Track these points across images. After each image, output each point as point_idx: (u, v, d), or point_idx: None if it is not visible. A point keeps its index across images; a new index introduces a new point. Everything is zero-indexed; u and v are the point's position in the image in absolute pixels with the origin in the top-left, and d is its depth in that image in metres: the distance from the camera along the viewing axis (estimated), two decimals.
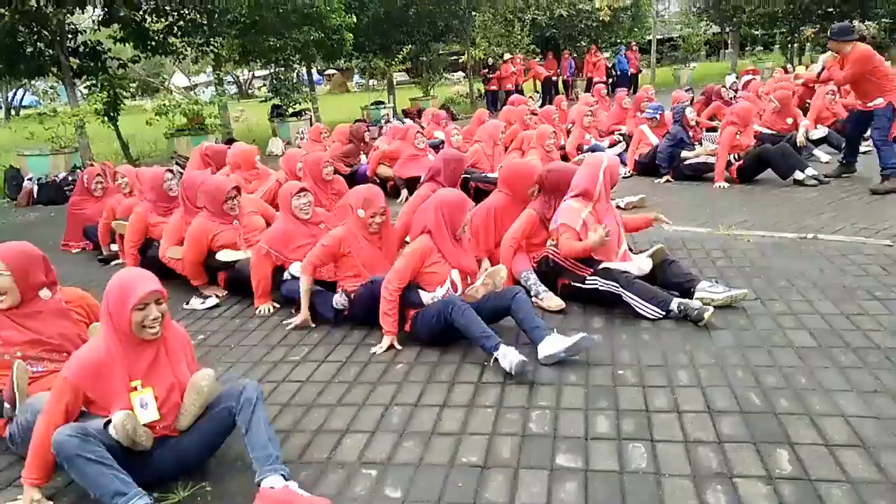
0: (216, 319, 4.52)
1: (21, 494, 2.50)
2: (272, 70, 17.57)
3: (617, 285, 3.88)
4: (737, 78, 13.45)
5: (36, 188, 10.11)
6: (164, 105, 12.71)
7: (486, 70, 20.47)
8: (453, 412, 3.00)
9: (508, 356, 3.23)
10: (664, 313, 3.79)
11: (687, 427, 2.73)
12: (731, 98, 10.90)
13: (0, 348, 2.86)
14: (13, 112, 35.82)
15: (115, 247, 6.12)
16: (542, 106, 12.30)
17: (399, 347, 3.70)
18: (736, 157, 7.38)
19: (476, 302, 3.65)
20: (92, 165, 7.41)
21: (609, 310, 3.97)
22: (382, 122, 13.68)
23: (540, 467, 2.54)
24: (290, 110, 16.39)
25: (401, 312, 3.75)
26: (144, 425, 2.43)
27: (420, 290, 3.71)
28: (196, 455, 2.62)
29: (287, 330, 4.10)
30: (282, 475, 2.39)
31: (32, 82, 13.99)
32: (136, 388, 2.45)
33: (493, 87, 20.19)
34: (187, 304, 4.77)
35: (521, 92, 18.80)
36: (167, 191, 5.38)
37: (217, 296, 4.85)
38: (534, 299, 4.07)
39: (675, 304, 3.78)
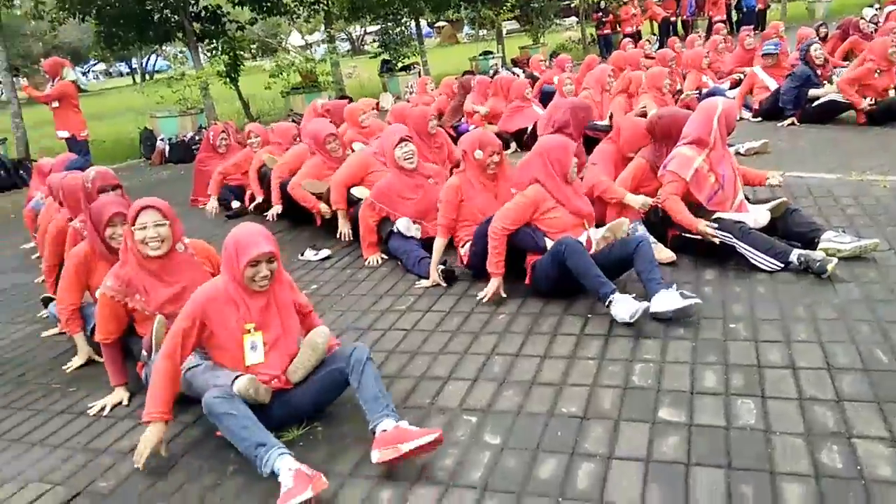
0: (328, 270, 4.72)
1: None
2: (381, 25, 17.71)
3: (731, 236, 3.69)
4: (879, 9, 12.15)
5: (167, 148, 10.84)
6: (279, 65, 13.13)
7: (600, 14, 19.60)
8: (554, 363, 2.99)
9: (624, 303, 3.16)
10: (783, 265, 3.57)
11: (802, 384, 2.59)
12: (871, 32, 9.90)
13: (142, 304, 3.13)
14: (147, 76, 38.28)
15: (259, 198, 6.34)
16: (659, 49, 11.66)
17: (504, 295, 3.72)
18: (871, 101, 6.72)
19: (599, 253, 3.59)
20: (216, 124, 7.81)
21: (722, 262, 3.79)
22: (491, 72, 13.51)
23: (641, 420, 2.50)
24: (399, 65, 16.51)
25: (521, 262, 3.73)
26: (262, 382, 2.58)
27: (546, 238, 3.65)
28: (309, 409, 2.76)
29: (417, 287, 4.12)
30: (392, 418, 2.47)
31: (163, 48, 14.83)
32: (249, 331, 2.63)
33: (606, 32, 19.34)
34: (302, 255, 5.02)
35: (639, 34, 17.96)
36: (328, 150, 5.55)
37: (346, 234, 5.06)
38: None
39: (794, 255, 3.55)
